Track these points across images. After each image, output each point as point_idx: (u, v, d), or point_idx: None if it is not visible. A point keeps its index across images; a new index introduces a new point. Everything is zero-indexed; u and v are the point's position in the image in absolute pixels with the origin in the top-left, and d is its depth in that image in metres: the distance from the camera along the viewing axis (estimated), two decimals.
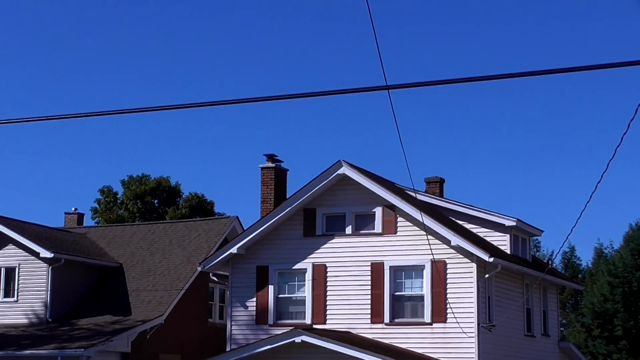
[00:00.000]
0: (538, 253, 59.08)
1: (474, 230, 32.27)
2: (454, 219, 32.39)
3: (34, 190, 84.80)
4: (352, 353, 27.68)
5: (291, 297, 31.50)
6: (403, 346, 29.68)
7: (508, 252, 32.15)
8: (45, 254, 35.18)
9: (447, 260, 29.70)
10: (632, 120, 16.32)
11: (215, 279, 38.59)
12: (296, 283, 31.46)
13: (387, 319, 30.12)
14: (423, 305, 29.92)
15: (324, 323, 30.67)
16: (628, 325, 50.85)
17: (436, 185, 36.46)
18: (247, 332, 31.56)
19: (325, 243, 31.19)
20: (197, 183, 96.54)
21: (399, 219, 30.43)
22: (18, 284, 35.97)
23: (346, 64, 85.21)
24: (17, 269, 36.08)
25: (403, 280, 30.34)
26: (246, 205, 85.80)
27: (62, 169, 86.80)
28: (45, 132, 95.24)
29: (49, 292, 35.44)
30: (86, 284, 37.28)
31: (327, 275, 31.03)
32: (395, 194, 30.39)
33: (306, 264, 31.24)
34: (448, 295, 29.53)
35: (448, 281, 29.67)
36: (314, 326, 30.44)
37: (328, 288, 31.00)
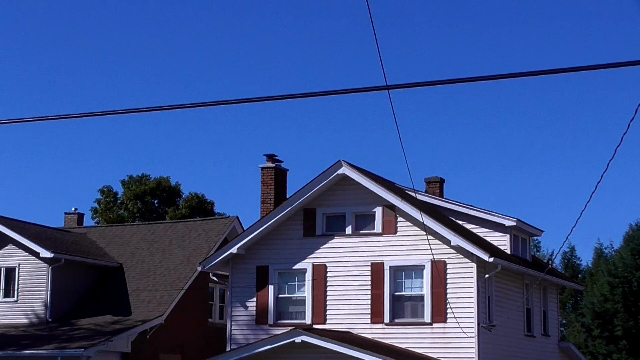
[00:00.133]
0: (538, 253, 59.09)
1: (474, 230, 32.27)
2: (454, 219, 32.39)
3: (34, 190, 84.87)
4: (352, 353, 27.68)
5: (291, 297, 31.51)
6: (403, 346, 29.69)
7: (508, 252, 32.15)
8: (45, 254, 35.17)
9: (447, 260, 29.70)
10: (632, 120, 16.34)
11: (215, 279, 38.59)
12: (296, 283, 31.46)
13: (387, 319, 30.13)
14: (423, 305, 29.92)
15: (324, 323, 30.67)
16: (628, 325, 50.84)
17: (436, 185, 36.47)
18: (247, 332, 31.57)
19: (325, 243, 31.19)
20: (197, 183, 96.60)
21: (399, 219, 30.43)
22: (18, 284, 35.97)
23: (346, 64, 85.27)
24: (17, 269, 36.08)
25: (403, 280, 30.34)
26: (246, 205, 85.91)
27: (62, 169, 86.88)
28: (45, 132, 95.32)
29: (49, 292, 35.44)
30: (86, 284, 37.27)
31: (327, 275, 31.03)
32: (395, 194, 30.39)
33: (306, 264, 31.25)
34: (448, 295, 29.53)
35: (448, 281, 29.67)
36: (314, 326, 30.45)
37: (328, 288, 31.00)
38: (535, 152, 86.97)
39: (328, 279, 31.01)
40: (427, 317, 29.74)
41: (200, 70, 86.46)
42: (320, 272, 31.07)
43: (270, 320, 31.38)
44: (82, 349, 31.06)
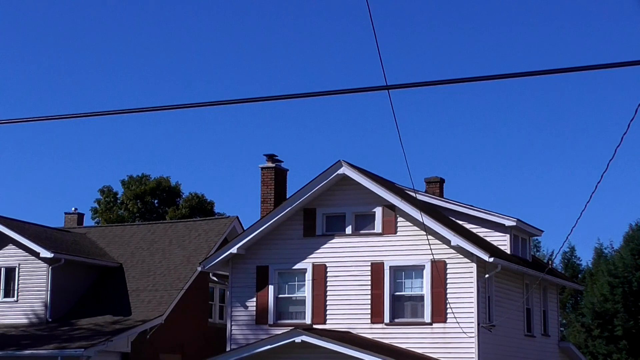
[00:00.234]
0: (538, 253, 59.09)
1: (474, 230, 32.26)
2: (454, 219, 32.39)
3: (34, 190, 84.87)
4: (352, 353, 27.68)
5: (291, 297, 31.50)
6: (403, 346, 29.68)
7: (508, 252, 32.15)
8: (45, 254, 35.17)
9: (447, 260, 29.70)
10: (632, 120, 16.33)
11: (215, 279, 38.59)
12: (296, 283, 31.46)
13: (387, 319, 30.12)
14: (423, 305, 29.92)
15: (324, 323, 30.67)
16: (628, 325, 50.83)
17: (436, 185, 36.47)
18: (247, 332, 31.57)
19: (325, 243, 31.19)
20: (197, 183, 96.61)
21: (399, 219, 30.43)
22: (18, 284, 35.96)
23: (346, 64, 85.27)
24: (17, 269, 36.08)
25: (403, 280, 30.34)
26: (246, 205, 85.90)
27: (62, 169, 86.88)
28: (45, 132, 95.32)
29: (49, 292, 35.43)
30: (86, 284, 37.27)
31: (327, 275, 31.03)
32: (395, 194, 30.39)
33: (306, 264, 31.24)
34: (448, 295, 29.52)
35: (448, 281, 29.66)
36: (314, 326, 30.45)
37: (328, 288, 31.00)
38: (535, 152, 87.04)
39: (328, 279, 31.01)
40: (427, 317, 29.74)
41: (200, 70, 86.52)
42: (320, 272, 31.07)
43: (270, 320, 31.38)
44: (82, 349, 31.06)
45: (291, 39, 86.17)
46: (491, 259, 29.00)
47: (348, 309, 30.66)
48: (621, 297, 51.31)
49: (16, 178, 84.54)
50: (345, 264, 30.87)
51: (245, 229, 33.26)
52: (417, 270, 30.12)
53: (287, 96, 15.51)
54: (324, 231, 31.32)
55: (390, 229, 30.52)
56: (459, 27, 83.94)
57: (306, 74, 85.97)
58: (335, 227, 31.26)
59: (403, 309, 30.27)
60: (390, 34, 76.68)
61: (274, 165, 33.20)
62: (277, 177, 33.23)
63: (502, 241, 32.30)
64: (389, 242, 30.47)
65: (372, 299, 30.37)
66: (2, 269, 36.37)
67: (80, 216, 44.53)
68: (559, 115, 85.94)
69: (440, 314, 29.56)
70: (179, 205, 63.27)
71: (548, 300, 36.44)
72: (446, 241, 29.41)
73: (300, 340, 28.26)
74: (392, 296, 30.24)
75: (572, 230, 43.30)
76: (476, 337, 29.09)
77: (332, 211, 31.23)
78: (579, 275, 61.32)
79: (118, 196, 64.20)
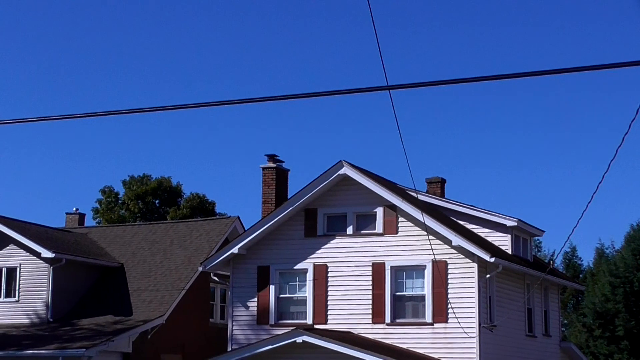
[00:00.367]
0: (539, 253, 59.09)
1: (475, 231, 32.25)
2: (455, 219, 32.38)
3: (35, 191, 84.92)
4: (353, 353, 27.67)
5: (292, 297, 31.50)
6: (404, 346, 29.68)
7: (509, 252, 32.13)
8: (47, 254, 35.18)
9: (448, 261, 29.69)
10: (633, 120, 16.32)
11: (216, 279, 38.59)
12: (297, 283, 31.46)
13: (388, 319, 30.12)
14: (424, 306, 29.91)
15: (325, 323, 30.66)
16: (629, 326, 50.81)
17: (437, 186, 36.46)
18: (249, 332, 31.57)
19: (326, 243, 31.19)
20: (198, 183, 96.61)
21: (400, 219, 30.43)
22: (19, 284, 35.97)
23: (346, 64, 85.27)
24: (18, 269, 36.09)
25: (404, 280, 30.33)
26: (247, 205, 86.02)
27: (63, 169, 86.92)
28: (45, 132, 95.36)
29: (50, 292, 35.45)
30: (87, 284, 37.28)
31: (328, 275, 31.02)
32: (397, 194, 30.38)
33: (307, 264, 31.24)
34: (449, 296, 29.52)
35: (449, 281, 29.66)
36: (315, 326, 30.44)
37: (329, 288, 30.99)
38: (536, 152, 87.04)
39: (329, 279, 31.01)
40: (428, 317, 29.73)
41: (200, 70, 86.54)
42: (321, 272, 31.06)
43: (272, 320, 31.37)
44: (84, 349, 31.07)
45: (292, 39, 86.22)
46: (492, 259, 28.99)
47: (349, 309, 30.66)
48: (622, 297, 51.29)
49: (17, 178, 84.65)
50: (346, 264, 30.86)
51: (246, 229, 33.26)
52: (418, 270, 30.12)
53: (288, 96, 15.51)
54: (325, 231, 31.32)
55: (391, 229, 30.51)
56: (460, 27, 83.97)
57: (307, 74, 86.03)
58: (336, 227, 31.26)
59: (404, 309, 30.27)
60: (391, 34, 76.71)
61: (275, 165, 33.20)
62: (278, 177, 33.24)
63: (503, 241, 32.29)
64: (390, 242, 30.47)
65: (373, 299, 30.36)
66: (3, 269, 36.38)
67: (82, 216, 44.55)
68: (559, 115, 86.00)
69: (441, 314, 29.55)
70: (180, 206, 63.28)
71: (549, 301, 36.43)
72: (447, 241, 29.40)
73: (301, 341, 28.26)
74: (393, 296, 30.23)
75: (573, 230, 43.01)
76: (477, 337, 29.08)
77: (333, 211, 31.23)
78: (580, 276, 61.32)
79: (119, 196, 64.22)
